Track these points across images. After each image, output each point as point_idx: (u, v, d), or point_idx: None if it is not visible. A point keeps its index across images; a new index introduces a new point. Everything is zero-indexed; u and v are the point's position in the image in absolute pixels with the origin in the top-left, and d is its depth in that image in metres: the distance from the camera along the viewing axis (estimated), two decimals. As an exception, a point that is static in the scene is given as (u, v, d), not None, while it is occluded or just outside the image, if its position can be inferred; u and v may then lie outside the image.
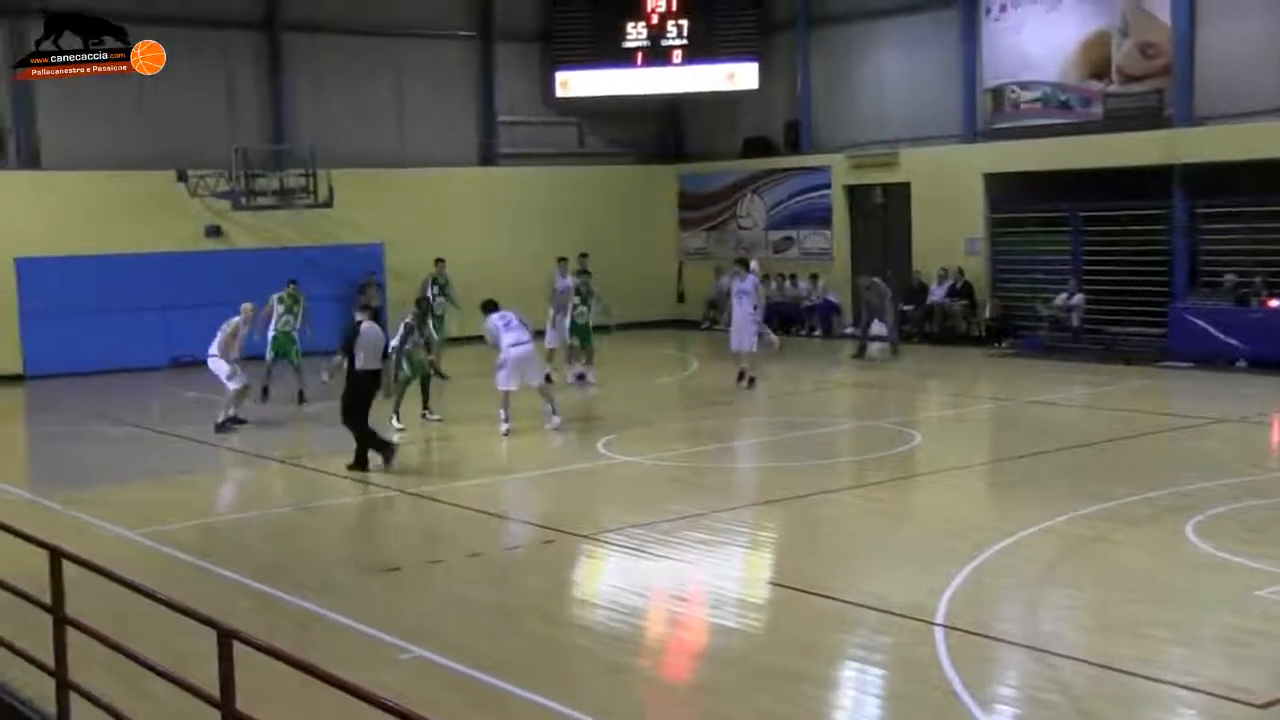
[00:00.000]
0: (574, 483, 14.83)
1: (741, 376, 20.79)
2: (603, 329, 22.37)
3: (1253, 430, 16.82)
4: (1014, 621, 9.11)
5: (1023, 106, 25.82)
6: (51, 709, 7.11)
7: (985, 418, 19.21)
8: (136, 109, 26.10)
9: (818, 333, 28.79)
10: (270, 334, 19.91)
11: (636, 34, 30.55)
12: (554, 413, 17.26)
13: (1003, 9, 25.97)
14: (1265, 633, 8.60)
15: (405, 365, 17.43)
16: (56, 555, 7.05)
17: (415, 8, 29.48)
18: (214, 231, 26.56)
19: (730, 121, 31.60)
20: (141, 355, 24.99)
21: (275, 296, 20.01)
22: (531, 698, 7.70)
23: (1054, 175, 24.82)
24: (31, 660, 7.32)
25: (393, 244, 27.49)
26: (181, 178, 25.76)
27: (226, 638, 5.51)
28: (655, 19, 30.51)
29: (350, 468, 14.82)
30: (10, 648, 7.59)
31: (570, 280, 21.87)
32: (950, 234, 26.57)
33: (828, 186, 29.26)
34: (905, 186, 27.64)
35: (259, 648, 5.48)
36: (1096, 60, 24.60)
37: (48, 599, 7.05)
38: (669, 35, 30.49)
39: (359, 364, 14.72)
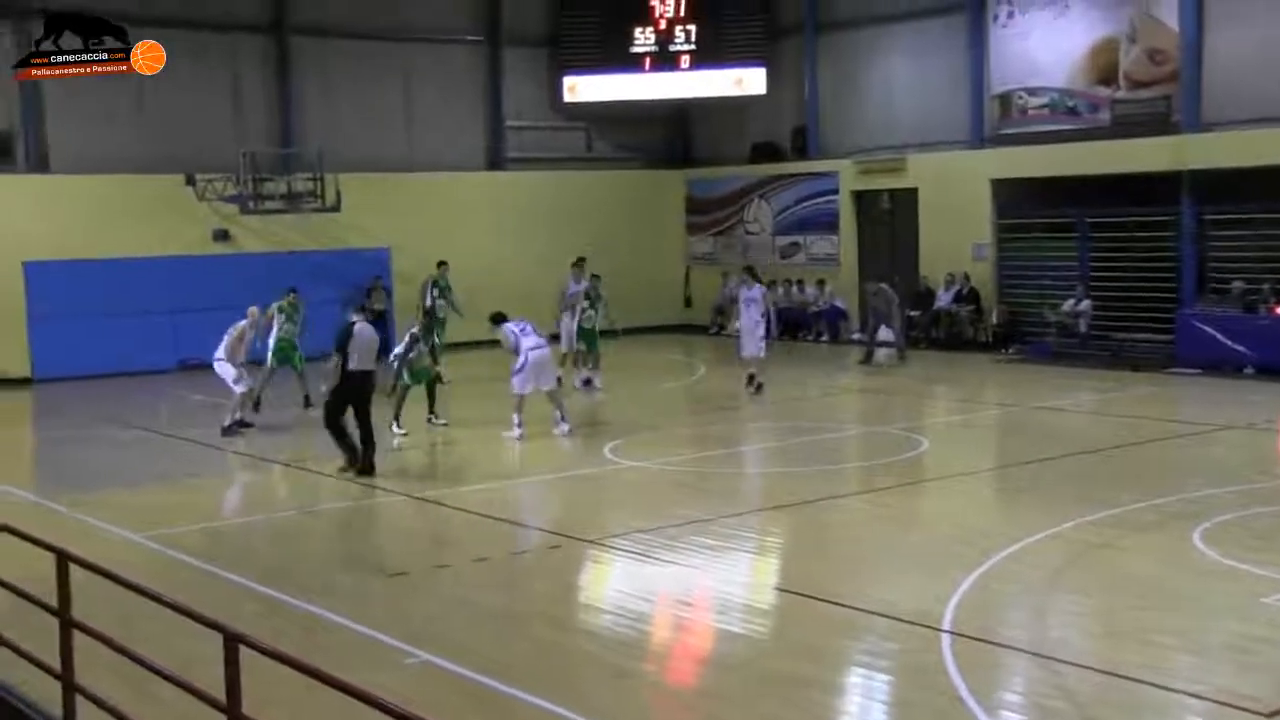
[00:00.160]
0: (581, 488, 14.83)
1: (750, 381, 20.84)
2: (609, 334, 22.40)
3: (1260, 437, 16.77)
4: (1020, 628, 9.09)
5: (1030, 112, 25.80)
6: (57, 712, 7.12)
7: (992, 424, 19.19)
8: (144, 113, 26.15)
9: (825, 338, 28.77)
10: (271, 342, 19.91)
11: (644, 39, 30.57)
12: (563, 419, 17.27)
13: (1010, 15, 25.97)
14: (1272, 640, 8.58)
15: (406, 374, 17.46)
16: (63, 558, 7.06)
17: (423, 12, 29.52)
18: (221, 235, 26.61)
19: (738, 127, 31.61)
20: (149, 359, 25.02)
21: (275, 305, 19.97)
22: (537, 702, 7.70)
23: (1061, 181, 24.78)
24: (38, 663, 7.33)
25: (400, 248, 27.51)
26: (189, 182, 25.81)
27: (233, 641, 5.52)
28: (663, 24, 30.53)
29: (359, 471, 14.84)
30: (17, 650, 7.61)
31: (582, 284, 21.89)
32: (957, 240, 26.55)
33: (835, 192, 29.25)
34: (913, 192, 27.62)
35: (265, 651, 5.48)
36: (1104, 66, 24.58)
37: (54, 602, 7.07)
38: (677, 40, 30.51)
39: (352, 364, 14.71)
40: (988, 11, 26.33)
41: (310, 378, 19.47)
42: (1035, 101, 25.71)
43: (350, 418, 14.91)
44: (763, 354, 21.03)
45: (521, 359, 16.78)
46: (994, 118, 26.40)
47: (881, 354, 25.07)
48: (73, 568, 7.05)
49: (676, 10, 30.45)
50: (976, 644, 8.56)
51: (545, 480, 15.29)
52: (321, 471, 14.98)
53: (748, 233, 31.32)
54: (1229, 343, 21.70)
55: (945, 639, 8.59)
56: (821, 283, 29.34)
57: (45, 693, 7.43)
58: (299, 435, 18.57)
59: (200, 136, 26.39)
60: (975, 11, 26.45)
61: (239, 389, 17.97)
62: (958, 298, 26.41)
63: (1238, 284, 22.34)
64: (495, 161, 30.65)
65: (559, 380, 19.07)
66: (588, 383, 21.77)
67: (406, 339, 17.74)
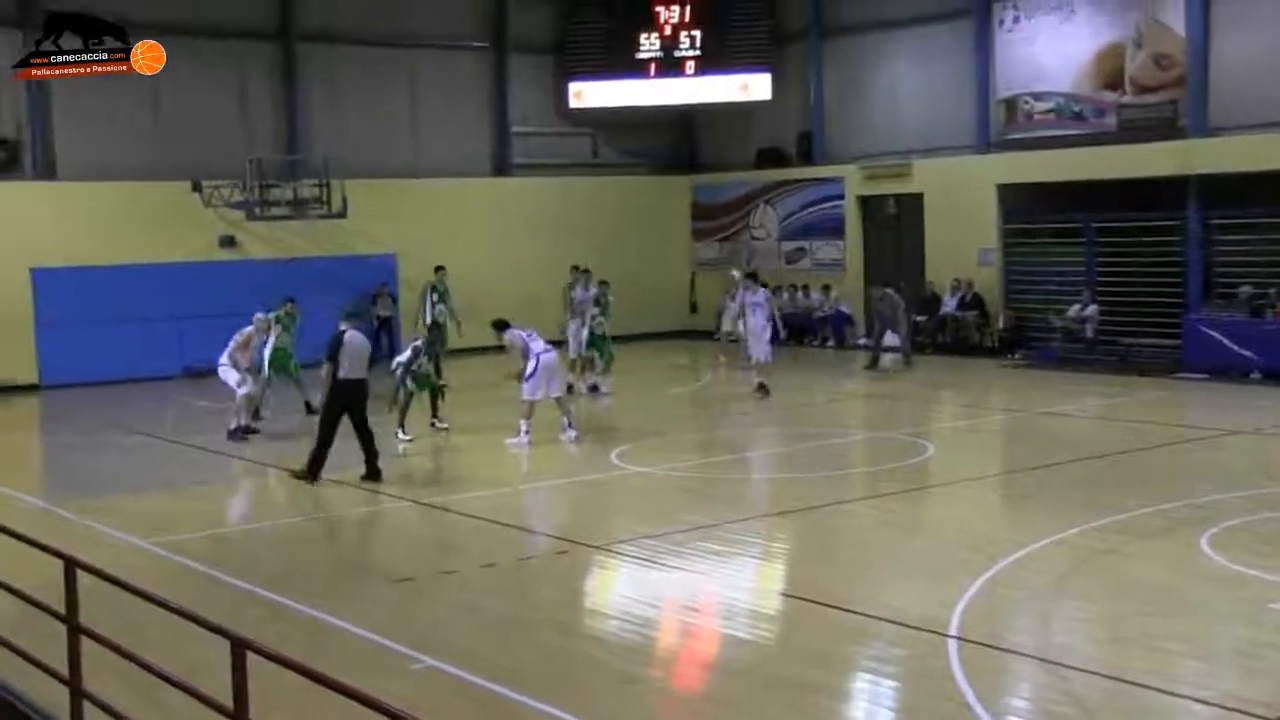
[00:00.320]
0: (587, 493, 14.85)
1: (760, 388, 20.92)
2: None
3: (1267, 442, 16.74)
4: (1027, 634, 9.08)
5: (1036, 117, 25.80)
6: (65, 717, 7.12)
7: (998, 429, 19.17)
8: (151, 120, 26.22)
9: (830, 344, 28.75)
10: (267, 353, 19.85)
11: (650, 45, 30.60)
12: (570, 425, 17.27)
13: (1016, 20, 25.97)
14: (1279, 646, 8.56)
15: (409, 382, 17.50)
16: (71, 564, 7.08)
17: (429, 19, 29.57)
18: (228, 242, 26.65)
19: (743, 132, 31.62)
20: (155, 365, 25.05)
21: (273, 314, 19.91)
22: (544, 708, 7.70)
23: (1068, 186, 24.76)
24: (45, 669, 7.34)
25: (406, 254, 27.54)
26: (196, 188, 25.84)
27: (239, 647, 5.53)
28: (668, 30, 30.56)
29: (363, 478, 14.87)
30: (25, 656, 7.61)
31: (591, 291, 21.93)
32: (963, 245, 26.54)
33: (841, 197, 29.26)
34: (918, 197, 27.62)
35: (271, 657, 5.49)
36: (1110, 71, 24.57)
37: (62, 608, 7.08)
38: (682, 46, 30.54)
39: (343, 373, 14.71)
40: (993, 16, 26.33)
41: (307, 384, 19.47)
42: (1041, 106, 25.71)
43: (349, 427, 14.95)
44: (768, 358, 21.08)
45: (532, 364, 16.75)
46: (1000, 123, 26.39)
47: (887, 359, 25.06)
48: (80, 574, 7.06)
49: (682, 16, 30.48)
50: (983, 649, 8.55)
51: (552, 486, 15.30)
52: (327, 478, 14.98)
53: (753, 238, 31.32)
54: (1236, 348, 21.67)
55: (952, 644, 8.58)
56: (827, 288, 29.33)
57: (53, 698, 7.44)
58: (304, 442, 18.51)
59: (207, 143, 26.44)
60: (981, 16, 26.45)
61: (242, 390, 18.01)
62: (960, 304, 26.39)
63: (1245, 288, 22.31)
64: (501, 167, 30.68)
65: (570, 386, 19.15)
66: (594, 388, 21.80)
67: (410, 351, 17.81)
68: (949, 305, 26.67)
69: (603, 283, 22.34)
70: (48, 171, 25.59)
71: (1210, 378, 21.51)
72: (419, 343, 18.01)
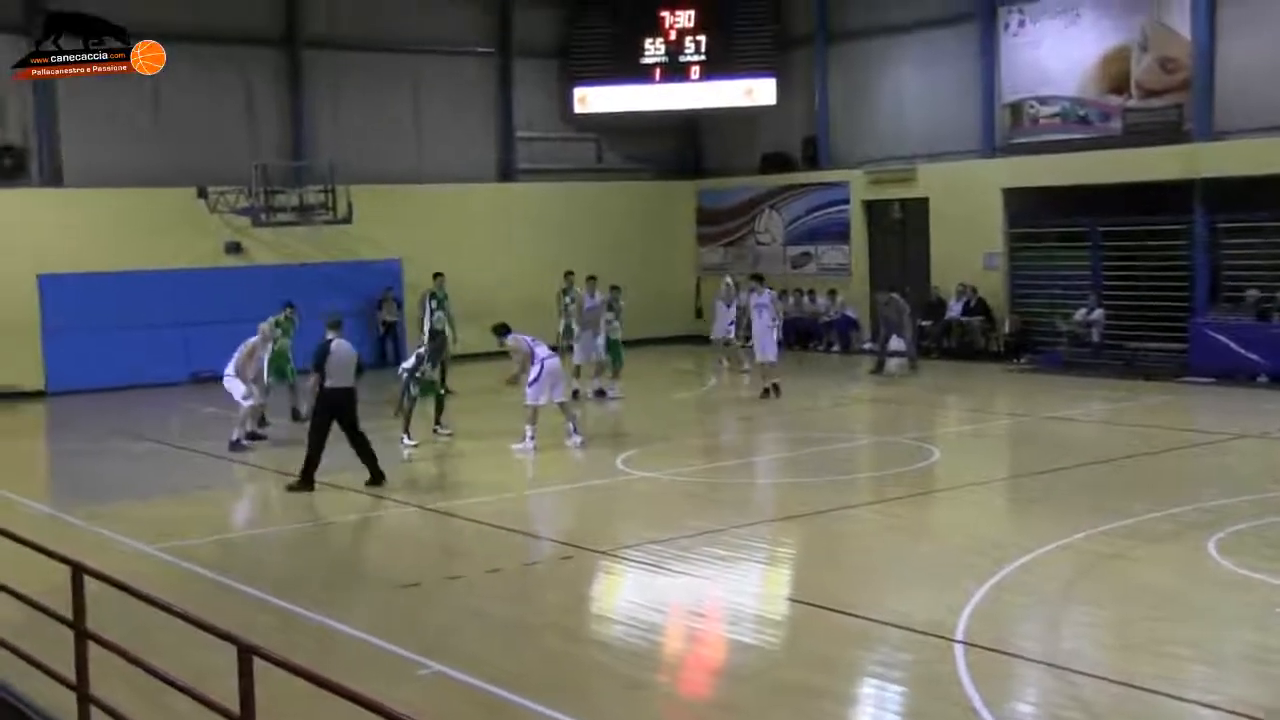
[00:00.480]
0: (592, 498, 14.85)
1: (767, 392, 20.91)
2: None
3: (1274, 446, 16.72)
4: (1034, 639, 9.07)
5: (1042, 121, 25.78)
6: (72, 723, 7.15)
7: (1004, 433, 19.15)
8: (157, 126, 26.26)
9: (836, 348, 28.75)
10: (266, 357, 19.82)
11: (655, 50, 30.62)
12: (575, 430, 17.28)
13: (1021, 24, 25.96)
14: (1288, 650, 8.56)
15: (413, 388, 17.53)
16: (78, 570, 7.09)
17: (434, 24, 29.60)
18: (234, 248, 26.69)
19: (748, 137, 31.63)
20: (162, 371, 25.09)
21: (272, 319, 19.86)
22: (550, 714, 7.70)
23: (1073, 190, 24.76)
24: (53, 674, 7.35)
25: (411, 260, 27.54)
26: (202, 194, 25.90)
27: (247, 653, 5.53)
28: (674, 35, 30.57)
29: (368, 483, 14.89)
30: (32, 662, 7.63)
31: (600, 298, 21.93)
32: (969, 249, 26.52)
33: (846, 202, 29.25)
34: (924, 202, 27.61)
35: (278, 663, 5.49)
36: (1116, 75, 24.55)
37: (69, 614, 7.09)
38: (687, 51, 30.56)
39: (329, 382, 14.73)
40: (998, 20, 26.32)
41: (301, 391, 19.44)
42: (1046, 110, 25.69)
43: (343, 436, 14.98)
44: (777, 358, 21.19)
45: (536, 369, 16.78)
46: (1005, 127, 26.38)
47: (893, 364, 25.05)
48: (87, 579, 7.07)
49: (687, 21, 30.50)
50: (990, 655, 8.54)
51: (557, 491, 15.30)
52: (333, 484, 14.99)
53: (759, 243, 31.32)
54: (1242, 351, 21.64)
55: (959, 650, 8.57)
56: (833, 293, 29.32)
57: (60, 703, 7.46)
58: (300, 450, 18.54)
59: (212, 149, 26.49)
60: (986, 20, 26.45)
61: (246, 404, 17.98)
62: (967, 308, 26.38)
63: (1251, 292, 22.27)
64: (506, 173, 30.70)
65: (576, 392, 19.16)
66: (601, 393, 21.83)
67: (413, 359, 17.86)
68: (954, 310, 26.65)
69: (614, 288, 22.39)
70: (54, 178, 25.64)
71: (1217, 382, 21.48)
72: (423, 350, 18.04)
